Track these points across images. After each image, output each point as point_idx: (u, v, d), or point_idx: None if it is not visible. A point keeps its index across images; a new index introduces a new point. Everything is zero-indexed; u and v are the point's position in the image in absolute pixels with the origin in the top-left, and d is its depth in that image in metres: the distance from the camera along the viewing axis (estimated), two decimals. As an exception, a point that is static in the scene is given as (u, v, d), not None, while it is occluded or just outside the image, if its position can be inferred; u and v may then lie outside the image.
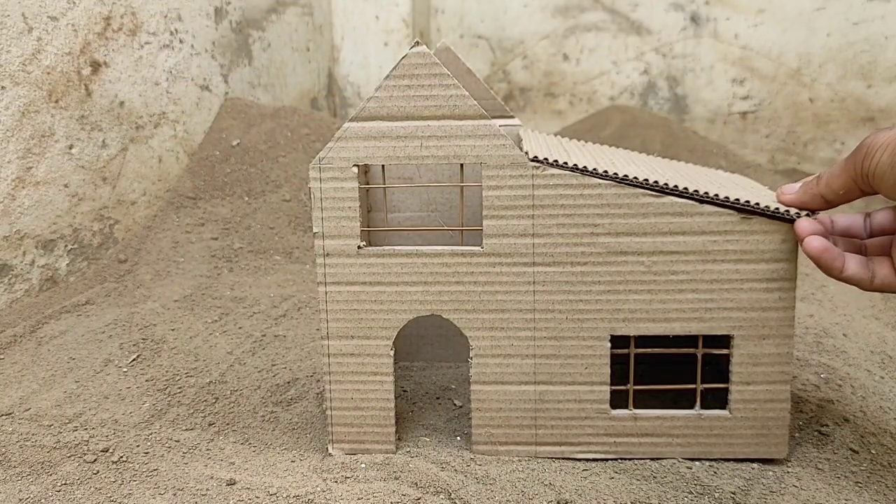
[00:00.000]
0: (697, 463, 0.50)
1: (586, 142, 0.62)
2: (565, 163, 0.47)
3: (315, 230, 0.49)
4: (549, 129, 1.72)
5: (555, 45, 1.69)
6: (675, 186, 0.47)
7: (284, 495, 0.46)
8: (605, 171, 0.47)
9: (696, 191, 0.46)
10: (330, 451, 0.52)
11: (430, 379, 0.64)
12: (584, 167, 0.47)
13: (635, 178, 0.47)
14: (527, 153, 0.48)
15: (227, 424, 0.57)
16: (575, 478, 0.48)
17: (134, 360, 0.69)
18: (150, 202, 1.06)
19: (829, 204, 0.45)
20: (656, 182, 0.47)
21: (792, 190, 0.46)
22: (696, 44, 1.61)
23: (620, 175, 0.47)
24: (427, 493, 0.47)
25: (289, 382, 0.64)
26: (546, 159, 0.47)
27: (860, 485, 0.48)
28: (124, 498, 0.47)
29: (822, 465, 0.50)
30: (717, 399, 0.50)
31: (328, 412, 0.52)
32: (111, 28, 0.97)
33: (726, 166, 1.36)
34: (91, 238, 0.95)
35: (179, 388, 0.63)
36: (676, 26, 1.62)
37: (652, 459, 0.50)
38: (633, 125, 1.52)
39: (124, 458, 0.51)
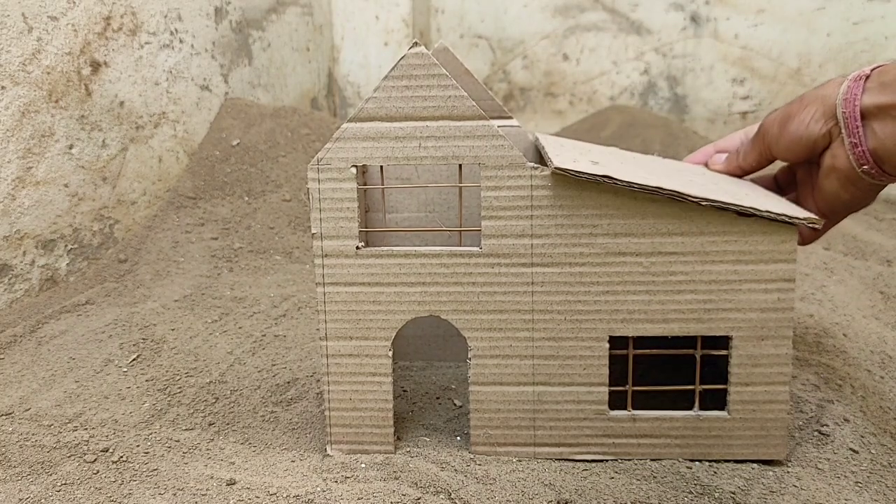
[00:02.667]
0: (697, 463, 0.50)
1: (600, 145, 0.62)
2: (583, 172, 0.47)
3: (313, 231, 0.49)
4: (549, 129, 1.72)
5: (555, 45, 1.69)
6: (675, 191, 0.46)
7: (284, 495, 0.46)
8: (605, 175, 0.47)
9: (702, 197, 0.46)
10: (328, 451, 0.52)
11: (430, 379, 0.64)
12: (606, 175, 0.46)
13: (640, 182, 0.46)
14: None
15: (227, 424, 0.57)
16: (575, 478, 0.48)
17: (134, 360, 0.69)
18: (150, 202, 1.06)
19: (746, 173, 0.57)
20: (658, 187, 0.46)
21: (720, 160, 0.59)
22: (696, 44, 1.61)
23: (639, 182, 0.46)
24: (427, 493, 0.47)
25: (289, 382, 0.64)
26: (567, 169, 0.46)
27: (860, 485, 0.48)
28: (124, 498, 0.47)
29: (822, 465, 0.50)
30: (717, 400, 0.50)
31: (326, 413, 0.52)
32: (111, 28, 0.97)
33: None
34: (91, 238, 0.95)
35: (179, 388, 0.63)
36: (676, 26, 1.62)
37: (652, 459, 0.50)
38: (633, 125, 1.52)
39: (124, 458, 0.52)
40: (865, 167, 0.48)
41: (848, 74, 0.50)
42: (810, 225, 0.46)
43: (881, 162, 0.48)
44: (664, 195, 0.46)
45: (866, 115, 0.48)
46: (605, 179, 0.46)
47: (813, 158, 0.52)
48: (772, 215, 0.46)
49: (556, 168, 0.46)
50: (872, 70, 0.48)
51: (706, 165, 0.60)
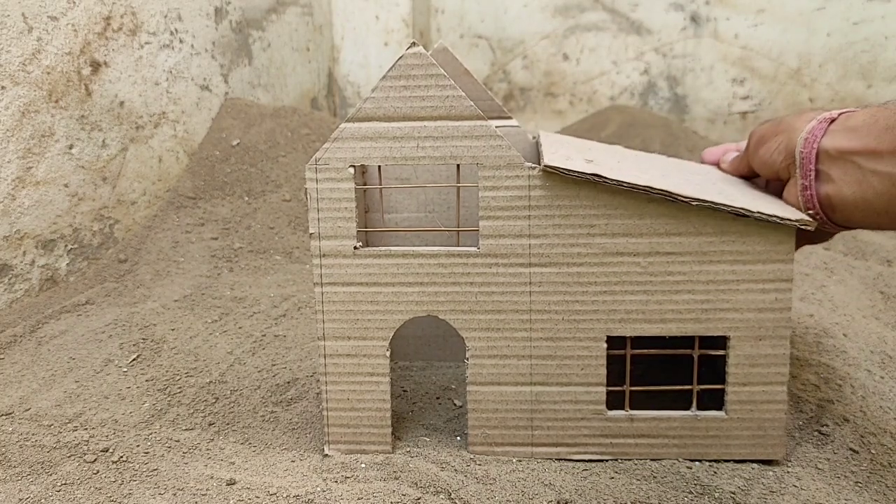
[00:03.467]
0: (697, 463, 0.50)
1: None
2: (572, 170, 0.47)
3: (311, 231, 0.49)
4: (549, 129, 1.72)
5: (555, 44, 1.69)
6: (665, 190, 0.46)
7: (284, 495, 0.47)
8: (615, 178, 0.47)
9: (692, 196, 0.46)
10: (326, 451, 0.52)
11: (430, 379, 0.65)
12: (595, 174, 0.46)
13: (644, 185, 0.46)
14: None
15: (227, 424, 0.57)
16: (575, 478, 0.48)
17: (134, 360, 0.69)
18: (150, 202, 1.06)
19: (743, 177, 0.57)
20: (665, 189, 0.46)
21: (727, 160, 0.59)
22: (696, 44, 1.61)
23: (629, 181, 0.46)
24: (427, 493, 0.47)
25: (289, 382, 0.64)
26: (557, 167, 0.47)
27: (860, 485, 0.48)
28: (124, 498, 0.47)
29: (822, 465, 0.50)
30: (715, 400, 0.50)
31: (324, 413, 0.52)
32: (111, 28, 0.97)
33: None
34: (91, 238, 0.95)
35: (179, 388, 0.63)
36: (676, 26, 1.62)
37: (652, 459, 0.50)
38: (633, 125, 1.52)
39: (124, 458, 0.52)
40: (811, 212, 0.47)
41: (820, 112, 0.48)
42: (802, 227, 0.46)
43: (831, 210, 0.46)
44: (654, 194, 0.46)
45: (824, 158, 0.46)
46: (595, 178, 0.46)
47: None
48: (762, 216, 0.45)
49: (546, 166, 0.46)
50: (840, 114, 0.47)
51: (719, 162, 0.61)
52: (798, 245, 0.51)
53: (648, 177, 0.48)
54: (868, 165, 0.43)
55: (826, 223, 0.47)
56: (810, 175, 0.46)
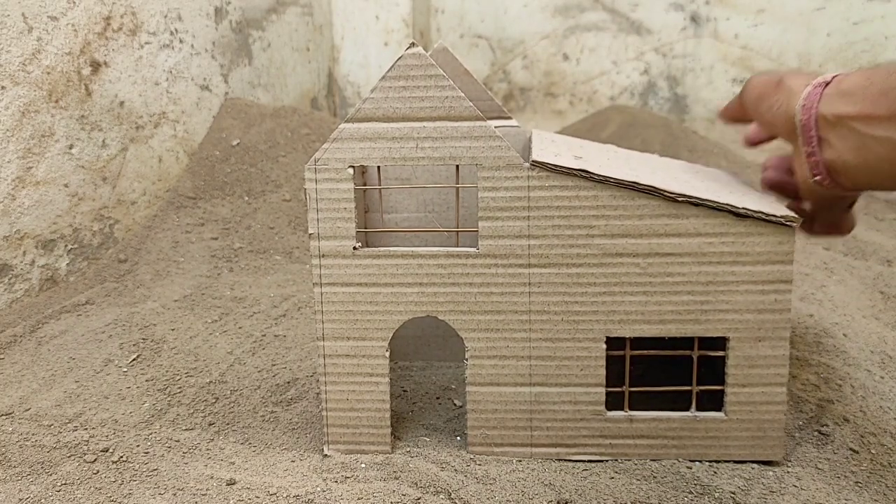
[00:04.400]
0: (697, 463, 0.50)
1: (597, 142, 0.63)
2: (560, 166, 0.47)
3: (310, 231, 0.49)
4: (549, 129, 1.72)
5: (555, 44, 1.69)
6: (651, 185, 0.47)
7: (284, 495, 0.47)
8: (601, 174, 0.47)
9: (678, 192, 0.46)
10: (325, 451, 0.52)
11: (430, 379, 0.65)
12: (581, 169, 0.47)
13: (631, 180, 0.47)
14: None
15: (227, 424, 0.57)
16: (575, 478, 0.49)
17: (134, 360, 0.69)
18: (150, 202, 1.06)
19: (734, 121, 0.54)
20: (652, 185, 0.47)
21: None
22: (696, 44, 1.61)
23: (615, 177, 0.47)
24: (427, 493, 0.47)
25: (289, 382, 0.64)
26: (544, 162, 0.47)
27: (860, 485, 0.48)
28: (124, 498, 0.47)
29: (822, 465, 0.50)
30: (715, 401, 0.50)
31: (324, 413, 0.52)
32: (111, 28, 0.97)
33: (726, 166, 1.36)
34: (91, 238, 0.95)
35: (179, 388, 0.63)
36: (676, 26, 1.62)
37: (651, 459, 0.50)
38: (633, 125, 1.52)
39: (124, 458, 0.52)
40: (818, 178, 0.46)
41: (815, 77, 0.47)
42: (788, 223, 0.46)
43: (837, 174, 0.45)
44: (641, 189, 0.46)
45: (823, 124, 0.44)
46: (582, 173, 0.46)
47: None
48: (748, 212, 0.46)
49: (533, 161, 0.46)
50: (833, 77, 0.46)
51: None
52: (839, 201, 0.49)
53: (636, 174, 0.48)
54: (866, 131, 0.42)
55: (836, 188, 0.46)
56: (813, 142, 0.45)
